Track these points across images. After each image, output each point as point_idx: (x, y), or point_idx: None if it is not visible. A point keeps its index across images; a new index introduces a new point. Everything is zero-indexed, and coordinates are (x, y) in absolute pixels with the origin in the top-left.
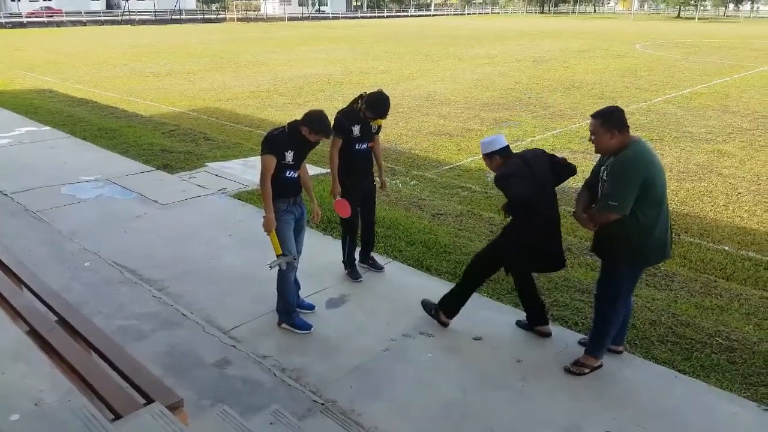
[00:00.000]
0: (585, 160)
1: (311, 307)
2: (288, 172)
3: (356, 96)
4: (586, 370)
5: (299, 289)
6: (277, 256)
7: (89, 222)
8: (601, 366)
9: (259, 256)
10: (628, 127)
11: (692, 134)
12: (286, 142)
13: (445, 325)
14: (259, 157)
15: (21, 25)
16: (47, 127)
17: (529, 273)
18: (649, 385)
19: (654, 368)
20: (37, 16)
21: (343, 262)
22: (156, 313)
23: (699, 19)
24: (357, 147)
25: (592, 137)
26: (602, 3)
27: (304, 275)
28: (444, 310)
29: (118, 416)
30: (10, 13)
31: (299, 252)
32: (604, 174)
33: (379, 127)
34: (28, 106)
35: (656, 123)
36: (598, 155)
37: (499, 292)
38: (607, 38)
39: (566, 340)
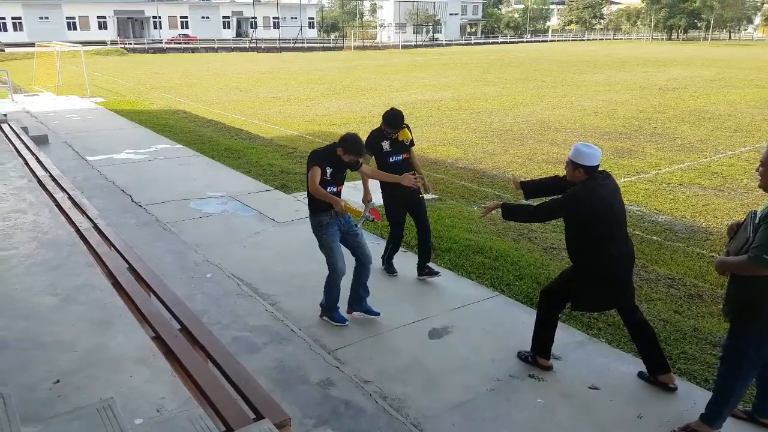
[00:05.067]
0: (717, 198)
1: (377, 314)
2: (329, 187)
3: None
4: None
5: (368, 295)
6: (357, 218)
7: (213, 235)
8: None
9: None
10: None
11: None
12: (325, 159)
13: (547, 368)
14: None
15: (161, 51)
16: (180, 145)
17: (597, 310)
18: None
19: None
20: (175, 43)
21: (382, 257)
22: (268, 327)
23: None
24: (391, 160)
25: (760, 168)
26: (739, 29)
27: (406, 300)
28: (539, 353)
29: (229, 429)
30: (153, 40)
31: (368, 257)
32: (755, 218)
33: (411, 140)
34: (164, 125)
35: None
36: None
37: (619, 338)
38: (744, 67)
39: (694, 397)
